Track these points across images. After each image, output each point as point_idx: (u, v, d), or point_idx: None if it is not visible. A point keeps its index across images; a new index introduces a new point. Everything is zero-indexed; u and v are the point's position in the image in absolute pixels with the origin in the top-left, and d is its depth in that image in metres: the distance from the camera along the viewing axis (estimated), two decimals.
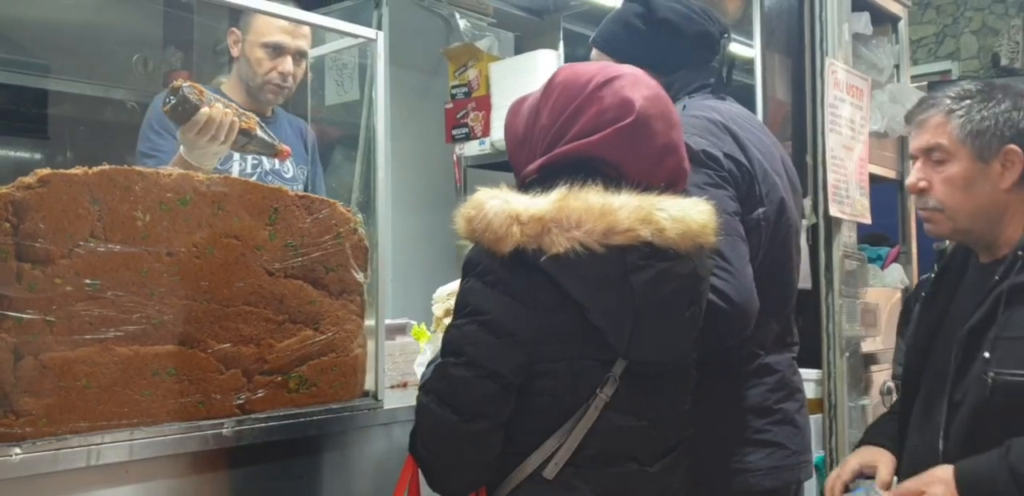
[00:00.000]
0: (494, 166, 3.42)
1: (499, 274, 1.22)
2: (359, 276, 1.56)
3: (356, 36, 1.60)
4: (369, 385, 1.57)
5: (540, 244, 1.19)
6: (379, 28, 3.04)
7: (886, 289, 2.95)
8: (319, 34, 2.58)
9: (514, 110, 1.43)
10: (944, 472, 1.30)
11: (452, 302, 2.03)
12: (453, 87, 3.28)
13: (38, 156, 3.69)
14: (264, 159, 2.18)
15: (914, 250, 3.20)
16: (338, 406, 1.50)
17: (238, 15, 2.28)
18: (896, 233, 3.24)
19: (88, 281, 1.22)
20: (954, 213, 1.46)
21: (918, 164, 1.51)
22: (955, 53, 5.32)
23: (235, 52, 2.23)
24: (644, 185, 1.26)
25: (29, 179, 1.18)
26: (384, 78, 1.63)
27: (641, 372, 1.27)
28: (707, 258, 1.32)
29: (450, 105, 3.24)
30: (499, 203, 1.22)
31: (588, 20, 3.14)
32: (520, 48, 3.46)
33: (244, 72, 2.21)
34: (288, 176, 2.29)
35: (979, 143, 1.43)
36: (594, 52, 1.83)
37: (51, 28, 3.23)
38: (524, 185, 1.32)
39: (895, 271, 3.07)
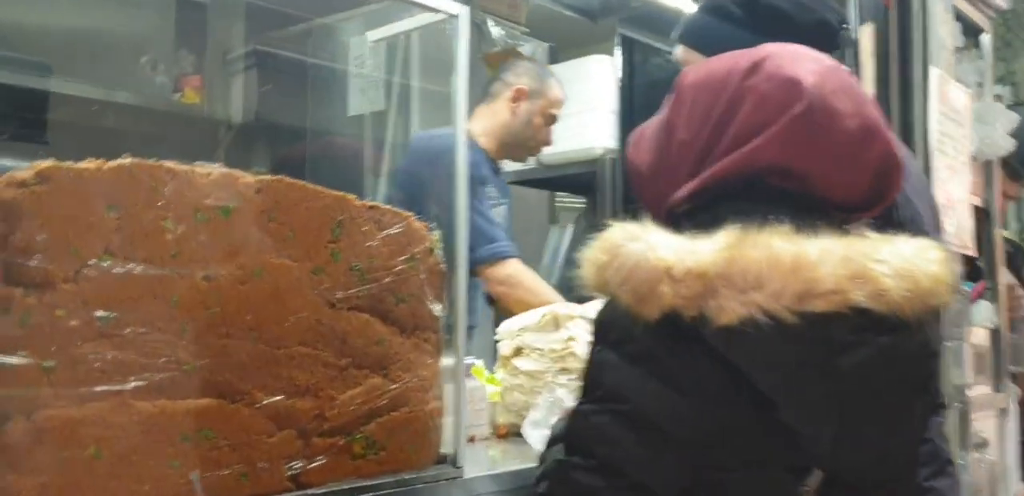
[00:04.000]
0: (536, 183, 3.15)
1: (644, 345, 0.90)
2: (435, 308, 1.24)
3: (437, 11, 1.30)
4: (446, 447, 1.24)
5: (703, 309, 0.86)
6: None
7: (973, 328, 2.64)
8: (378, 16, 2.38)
9: (635, 142, 1.11)
10: None
11: (523, 338, 1.73)
12: None
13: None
14: (502, 211, 2.34)
15: (1001, 286, 2.90)
16: (411, 475, 1.17)
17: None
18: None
19: (100, 313, 0.90)
20: None
21: None
22: (1006, 77, 5.07)
23: (515, 108, 2.28)
24: (847, 200, 0.94)
25: (24, 174, 0.87)
26: (466, 62, 1.33)
27: (846, 485, 0.92)
28: (939, 325, 0.97)
29: None
30: (641, 248, 0.89)
31: (646, 24, 2.87)
32: (555, 59, 3.20)
33: (517, 130, 2.28)
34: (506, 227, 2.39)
35: None
36: (680, 50, 1.54)
37: (54, 27, 2.96)
38: (671, 220, 1.00)
39: (983, 309, 2.76)
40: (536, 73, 2.35)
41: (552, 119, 2.33)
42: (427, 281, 1.23)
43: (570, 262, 2.99)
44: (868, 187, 0.96)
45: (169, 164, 0.96)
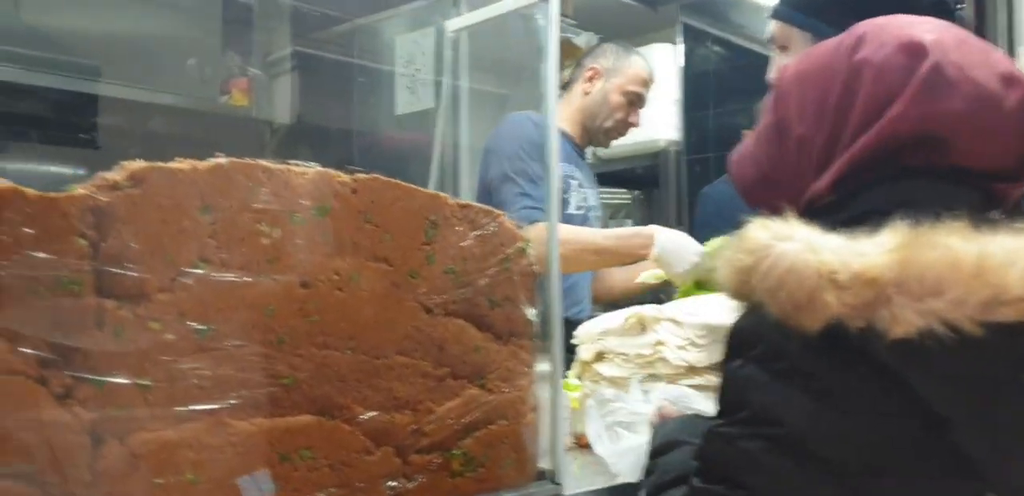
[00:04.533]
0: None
1: (799, 362, 0.80)
2: (529, 312, 1.17)
3: None
4: (544, 462, 1.16)
5: (872, 320, 0.75)
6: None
7: None
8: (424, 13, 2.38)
9: (737, 161, 1.03)
10: None
11: (605, 342, 1.64)
12: None
13: (82, 172, 3.35)
14: (589, 195, 2.21)
15: None
16: (511, 494, 1.10)
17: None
18: None
19: (196, 325, 0.83)
20: None
21: None
22: None
23: (587, 88, 2.21)
24: (997, 165, 0.84)
25: (116, 175, 0.81)
26: (557, 49, 1.26)
27: None
28: None
29: None
30: (796, 250, 0.79)
31: (708, 11, 2.77)
32: None
33: (593, 111, 2.19)
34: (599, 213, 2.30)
35: None
36: (775, 26, 1.45)
37: (103, 31, 2.93)
38: (809, 216, 0.88)
39: None
40: (613, 52, 2.25)
41: (635, 97, 2.20)
42: (520, 283, 1.15)
43: None
44: (1020, 141, 0.86)
45: (265, 163, 0.89)
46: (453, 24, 1.43)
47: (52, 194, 0.76)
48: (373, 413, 0.97)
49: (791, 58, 1.44)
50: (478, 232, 1.11)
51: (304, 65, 3.29)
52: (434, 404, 1.03)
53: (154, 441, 0.80)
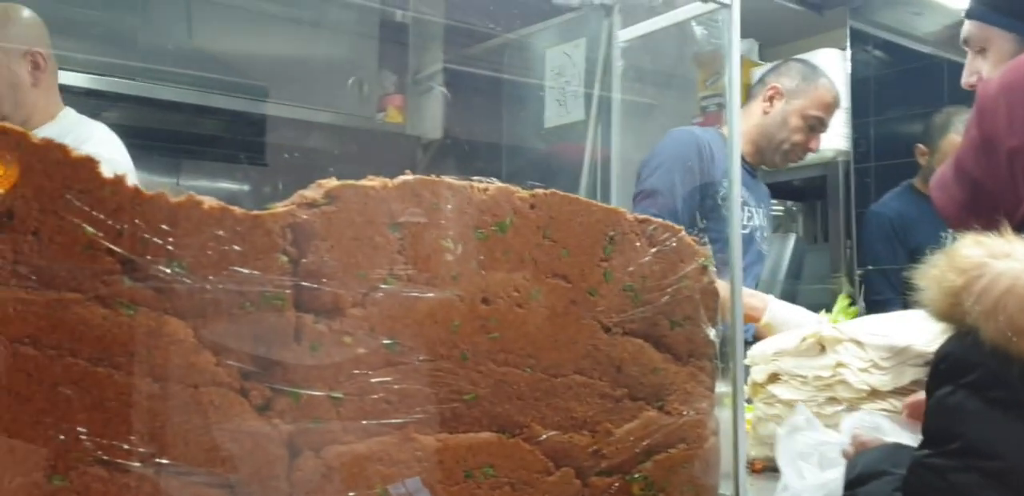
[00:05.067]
0: None
1: (1021, 390, 0.74)
2: (710, 332, 1.12)
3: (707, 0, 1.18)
4: (725, 488, 1.11)
5: None
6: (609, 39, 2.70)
7: None
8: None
9: (939, 186, 0.98)
10: None
11: (779, 363, 1.56)
12: (703, 98, 2.85)
13: (247, 188, 3.54)
14: (756, 214, 2.14)
15: None
16: None
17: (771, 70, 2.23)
18: None
19: (386, 340, 0.84)
20: None
21: None
22: None
23: (766, 108, 2.14)
24: None
25: (313, 193, 0.82)
26: (739, 56, 1.21)
27: None
28: None
29: (699, 120, 2.81)
30: (1019, 268, 0.73)
31: (878, 14, 2.62)
32: (765, 57, 3.00)
33: (771, 131, 2.12)
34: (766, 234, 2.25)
35: None
36: (971, 27, 1.34)
37: (268, 53, 3.09)
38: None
39: None
40: (799, 72, 2.16)
41: (816, 122, 2.11)
42: (701, 302, 1.11)
43: (794, 274, 2.77)
44: None
45: (449, 179, 0.89)
46: (625, 34, 1.41)
47: (256, 212, 0.78)
48: (552, 433, 0.95)
49: (989, 60, 1.34)
50: (657, 248, 1.07)
51: (454, 81, 3.34)
52: (612, 426, 1.00)
53: (347, 454, 0.81)
